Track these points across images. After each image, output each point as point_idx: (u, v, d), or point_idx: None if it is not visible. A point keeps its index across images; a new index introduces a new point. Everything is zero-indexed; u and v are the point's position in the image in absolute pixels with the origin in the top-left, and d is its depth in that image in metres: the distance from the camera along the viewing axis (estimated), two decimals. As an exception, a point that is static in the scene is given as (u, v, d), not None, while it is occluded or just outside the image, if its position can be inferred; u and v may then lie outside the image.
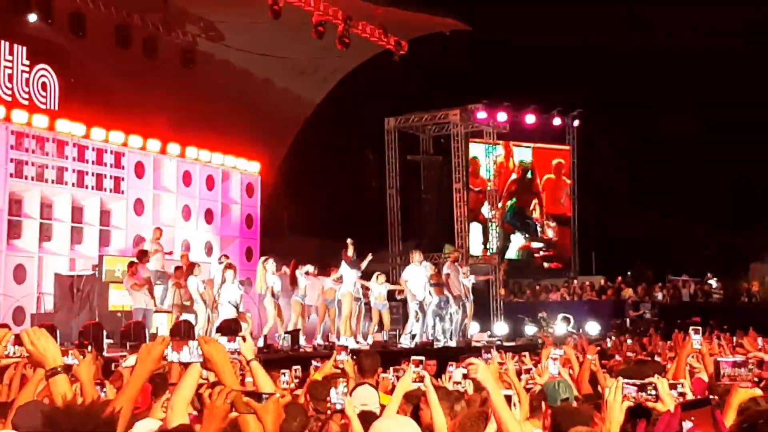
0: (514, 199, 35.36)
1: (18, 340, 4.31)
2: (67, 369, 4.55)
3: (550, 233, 36.36)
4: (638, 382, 4.76)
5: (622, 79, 34.98)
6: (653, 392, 4.75)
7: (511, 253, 35.05)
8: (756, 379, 4.46)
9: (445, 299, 21.13)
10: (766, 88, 32.97)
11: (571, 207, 36.76)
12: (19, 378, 6.62)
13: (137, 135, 21.73)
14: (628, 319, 31.09)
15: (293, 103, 28.52)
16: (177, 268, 18.66)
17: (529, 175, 35.79)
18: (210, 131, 23.49)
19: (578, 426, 5.04)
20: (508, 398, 5.02)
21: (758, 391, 5.01)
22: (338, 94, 29.60)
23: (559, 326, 23.01)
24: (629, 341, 20.91)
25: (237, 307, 17.79)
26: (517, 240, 35.58)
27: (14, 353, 4.44)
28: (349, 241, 19.49)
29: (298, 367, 10.28)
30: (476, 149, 32.49)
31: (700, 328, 6.85)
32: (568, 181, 36.52)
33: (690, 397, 4.99)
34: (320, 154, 29.59)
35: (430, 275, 20.82)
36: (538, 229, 36.19)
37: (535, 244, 36.12)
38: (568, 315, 25.80)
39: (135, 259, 17.98)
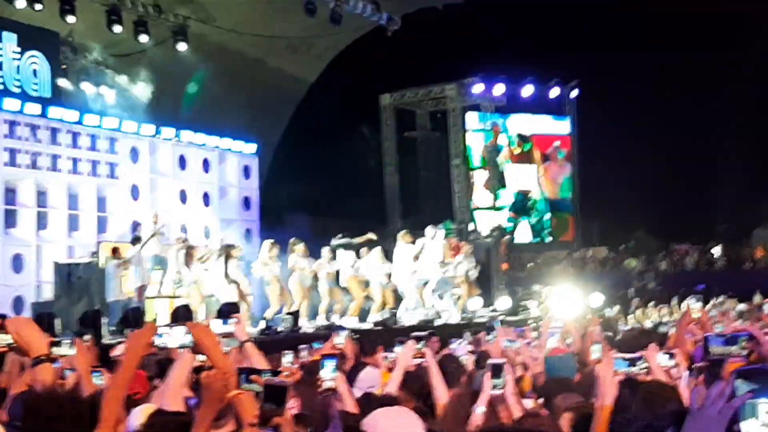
0: (518, 190, 35.18)
1: (3, 329, 4.27)
2: (53, 358, 4.49)
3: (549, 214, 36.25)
4: (629, 356, 4.71)
5: (619, 48, 34.78)
6: (644, 365, 4.69)
7: (522, 239, 34.98)
8: (745, 353, 4.35)
9: (445, 277, 21.08)
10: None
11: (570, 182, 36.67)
12: (18, 366, 6.57)
13: (131, 120, 21.60)
14: (632, 290, 31.06)
15: (288, 83, 28.41)
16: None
17: (526, 148, 35.63)
18: (205, 113, 23.38)
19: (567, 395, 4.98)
20: (501, 366, 4.97)
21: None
22: (333, 72, 29.46)
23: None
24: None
25: (239, 289, 17.70)
26: (524, 227, 35.45)
27: (0, 342, 4.40)
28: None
29: (304, 346, 10.24)
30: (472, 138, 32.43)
31: (701, 296, 6.76)
32: (567, 165, 36.36)
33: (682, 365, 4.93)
34: (317, 133, 29.48)
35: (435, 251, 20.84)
36: (543, 212, 36.06)
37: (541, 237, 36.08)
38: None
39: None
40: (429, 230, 20.06)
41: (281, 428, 3.35)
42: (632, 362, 4.77)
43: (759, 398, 2.17)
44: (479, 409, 4.83)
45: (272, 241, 18.77)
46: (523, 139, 35.19)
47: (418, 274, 19.82)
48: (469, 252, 22.35)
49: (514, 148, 34.64)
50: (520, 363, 7.56)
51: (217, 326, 5.33)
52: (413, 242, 19.84)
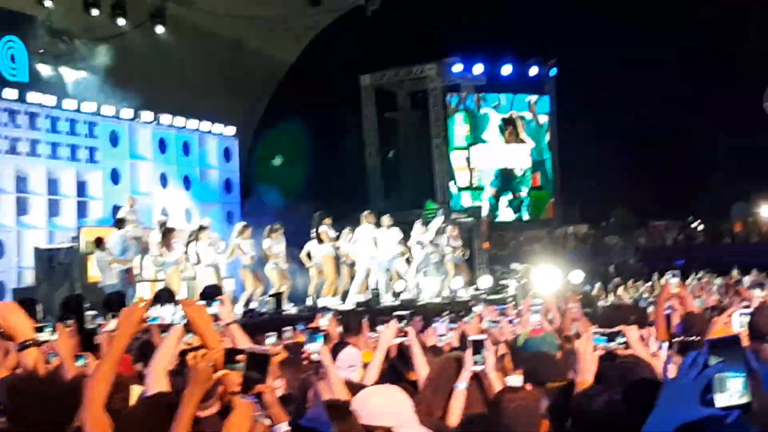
0: (498, 167, 35.32)
1: None
2: (38, 343, 4.50)
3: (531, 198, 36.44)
4: (608, 331, 4.77)
5: (598, 26, 34.79)
6: (623, 340, 4.76)
7: (504, 217, 35.15)
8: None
9: (427, 256, 21.20)
10: (744, 29, 32.96)
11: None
12: (3, 351, 6.58)
13: (110, 104, 21.51)
14: (612, 266, 31.21)
15: (267, 64, 28.30)
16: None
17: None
18: (184, 96, 23.28)
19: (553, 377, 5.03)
20: (482, 342, 5.02)
21: (734, 330, 5.01)
22: (312, 52, 29.36)
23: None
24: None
25: (218, 272, 17.70)
26: (504, 203, 35.60)
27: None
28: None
29: (288, 327, 10.29)
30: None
31: (678, 272, 6.83)
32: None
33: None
34: (296, 114, 29.40)
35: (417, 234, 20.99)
36: (525, 192, 36.22)
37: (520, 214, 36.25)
38: None
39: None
40: (386, 219, 19.98)
41: (264, 396, 3.37)
42: (611, 337, 4.82)
43: (728, 371, 2.22)
44: (461, 386, 4.87)
45: (244, 223, 18.76)
46: (506, 122, 35.34)
47: (380, 257, 19.74)
48: (456, 234, 22.46)
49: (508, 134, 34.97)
50: (504, 341, 7.62)
51: (201, 308, 5.35)
52: (377, 224, 19.78)
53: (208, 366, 3.47)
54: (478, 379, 5.02)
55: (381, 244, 19.60)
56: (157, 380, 4.16)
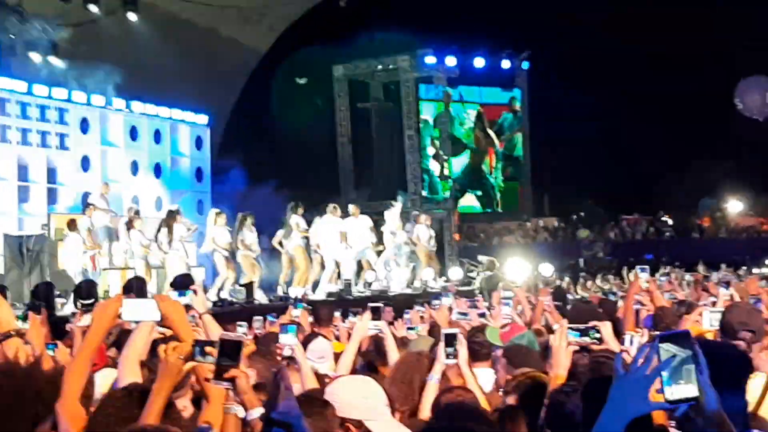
0: (469, 159, 35.47)
1: None
2: (21, 333, 4.49)
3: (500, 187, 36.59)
4: (581, 326, 4.82)
5: (570, 21, 34.93)
6: (597, 335, 4.80)
7: (467, 207, 35.26)
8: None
9: (398, 247, 21.29)
10: (712, 25, 33.19)
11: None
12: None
13: (81, 90, 21.36)
14: (582, 259, 31.42)
15: (240, 53, 28.21)
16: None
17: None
18: (156, 84, 23.16)
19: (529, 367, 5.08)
20: (455, 335, 5.05)
21: (704, 328, 5.09)
22: (285, 42, 29.28)
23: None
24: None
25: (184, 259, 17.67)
26: (470, 200, 35.76)
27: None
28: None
29: (259, 317, 10.31)
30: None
31: (647, 267, 6.91)
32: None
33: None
34: (269, 103, 29.34)
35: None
36: (495, 187, 36.36)
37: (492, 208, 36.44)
38: None
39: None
40: (353, 209, 20.02)
41: (238, 381, 3.38)
42: (584, 332, 4.86)
43: (678, 366, 2.28)
44: (434, 379, 4.90)
45: (217, 210, 18.72)
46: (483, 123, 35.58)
47: (354, 247, 19.77)
48: (430, 223, 22.57)
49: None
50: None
51: (174, 298, 5.35)
52: (342, 217, 19.80)
53: (178, 359, 3.48)
54: (449, 372, 5.05)
55: (351, 235, 19.62)
56: (129, 370, 4.15)
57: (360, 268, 20.39)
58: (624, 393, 2.31)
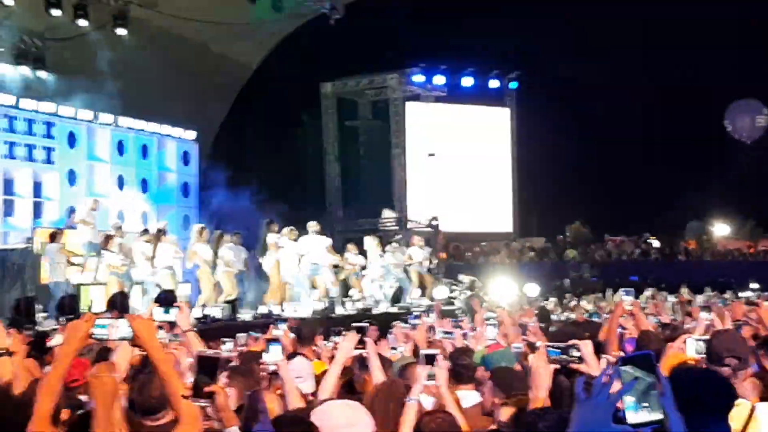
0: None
1: None
2: (10, 352, 4.48)
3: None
4: (562, 345, 4.80)
5: (559, 41, 35.11)
6: (577, 354, 4.79)
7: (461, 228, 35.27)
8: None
9: (386, 266, 21.28)
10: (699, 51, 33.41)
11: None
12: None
13: (68, 104, 21.31)
14: (567, 280, 31.42)
15: (230, 69, 28.21)
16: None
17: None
18: (145, 98, 23.12)
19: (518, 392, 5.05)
20: (432, 357, 5.01)
21: (689, 356, 5.08)
22: (275, 59, 29.31)
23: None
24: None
25: (174, 277, 17.61)
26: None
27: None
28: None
29: (242, 334, 10.27)
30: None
31: (632, 289, 6.90)
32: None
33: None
34: (258, 119, 29.33)
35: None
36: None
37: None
38: None
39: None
40: (312, 225, 19.93)
41: (216, 398, 3.36)
42: (564, 351, 4.85)
43: (641, 389, 2.26)
44: (413, 400, 4.87)
45: (201, 225, 18.70)
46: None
47: (307, 267, 19.67)
48: (421, 243, 22.61)
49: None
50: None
51: (159, 315, 5.32)
52: (296, 239, 19.72)
53: (110, 383, 3.49)
54: (429, 393, 5.01)
55: (309, 252, 19.52)
56: None
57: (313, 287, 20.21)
58: (586, 416, 2.30)
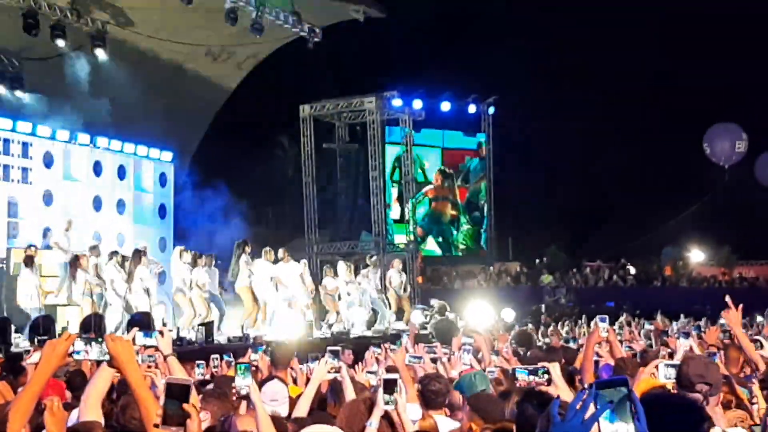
0: (428, 206, 35.78)
1: None
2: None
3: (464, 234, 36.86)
4: (530, 367, 4.82)
5: (536, 67, 35.33)
6: (545, 376, 4.79)
7: (428, 251, 35.46)
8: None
9: (362, 290, 21.29)
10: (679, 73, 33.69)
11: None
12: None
13: (45, 124, 21.22)
14: (544, 305, 31.49)
15: (207, 90, 28.18)
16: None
17: (446, 185, 36.30)
18: (122, 119, 23.06)
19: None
20: (395, 381, 4.99)
21: (660, 381, 5.10)
22: (253, 81, 29.33)
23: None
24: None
25: (149, 298, 17.56)
26: (431, 243, 36.05)
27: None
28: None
29: (216, 356, 10.26)
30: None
31: (606, 316, 6.92)
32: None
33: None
34: (235, 141, 29.30)
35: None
36: (455, 234, 36.65)
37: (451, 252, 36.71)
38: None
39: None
40: (281, 252, 19.97)
41: (188, 424, 3.34)
42: (533, 372, 4.85)
43: (614, 413, 2.28)
44: (372, 425, 4.84)
45: (182, 248, 18.71)
46: (444, 174, 35.82)
47: (283, 291, 19.73)
48: (399, 267, 22.66)
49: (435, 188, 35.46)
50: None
51: (140, 339, 5.29)
52: (274, 261, 19.76)
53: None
54: (389, 418, 4.98)
55: (282, 278, 19.61)
56: (90, 408, 4.21)
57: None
58: None
